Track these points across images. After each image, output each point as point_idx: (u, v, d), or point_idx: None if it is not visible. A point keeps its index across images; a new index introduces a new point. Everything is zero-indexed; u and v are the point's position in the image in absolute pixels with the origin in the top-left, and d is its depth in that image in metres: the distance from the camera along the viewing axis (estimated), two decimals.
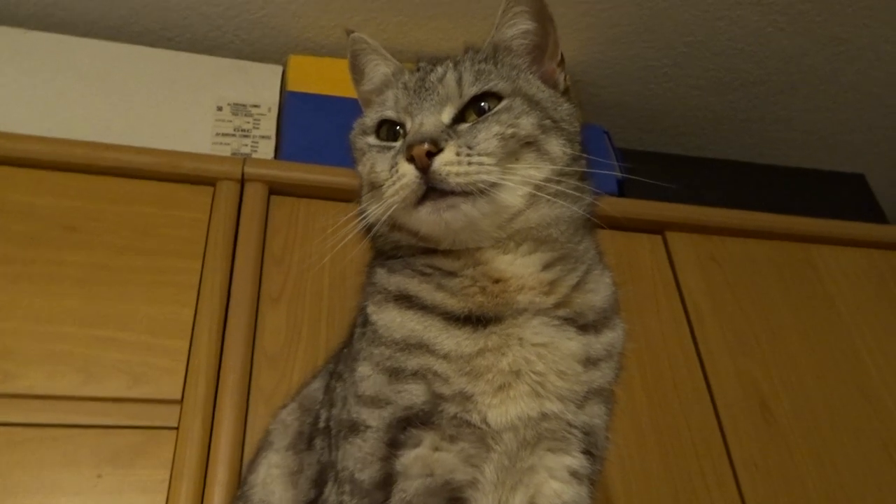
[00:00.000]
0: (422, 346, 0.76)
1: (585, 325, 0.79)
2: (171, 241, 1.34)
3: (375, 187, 0.79)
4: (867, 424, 1.45)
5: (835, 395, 1.49)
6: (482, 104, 0.78)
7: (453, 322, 0.76)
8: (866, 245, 1.74)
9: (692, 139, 2.05)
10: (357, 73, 0.92)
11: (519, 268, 0.78)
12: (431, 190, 0.73)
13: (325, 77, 1.67)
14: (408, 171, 0.73)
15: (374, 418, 0.75)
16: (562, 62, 0.86)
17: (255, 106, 1.59)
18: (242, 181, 1.42)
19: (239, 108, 1.58)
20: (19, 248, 1.28)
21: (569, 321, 0.78)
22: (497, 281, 0.77)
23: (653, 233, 1.63)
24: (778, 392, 1.46)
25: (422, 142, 0.72)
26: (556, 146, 0.78)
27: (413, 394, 0.75)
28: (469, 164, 0.72)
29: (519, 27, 0.84)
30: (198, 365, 1.20)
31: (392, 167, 0.76)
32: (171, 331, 1.24)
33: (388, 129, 0.82)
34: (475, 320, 0.76)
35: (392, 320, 0.78)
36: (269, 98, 1.62)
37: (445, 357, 0.75)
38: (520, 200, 0.76)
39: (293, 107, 1.60)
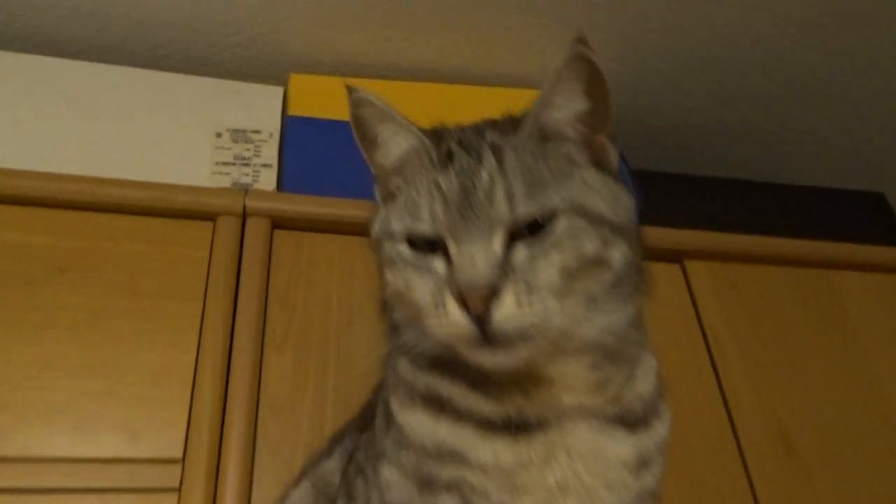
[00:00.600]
0: (455, 456, 0.69)
1: (635, 422, 0.73)
2: (169, 281, 1.27)
3: (412, 307, 0.71)
4: (892, 456, 1.40)
5: (857, 427, 1.44)
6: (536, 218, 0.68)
7: (490, 429, 0.70)
8: (888, 270, 1.68)
9: (706, 157, 1.99)
10: (366, 140, 0.78)
11: (566, 368, 0.70)
12: (486, 333, 0.64)
13: (328, 97, 1.60)
14: (458, 316, 0.64)
15: None
16: (612, 134, 0.76)
17: (256, 132, 1.52)
18: (244, 215, 1.35)
19: (239, 135, 1.51)
20: (7, 290, 1.20)
21: (618, 420, 0.72)
22: (540, 382, 0.70)
23: (670, 261, 1.57)
24: (800, 426, 1.40)
25: (477, 289, 0.63)
26: (618, 254, 0.69)
27: None
28: (531, 308, 0.64)
29: (574, 108, 0.72)
30: (200, 417, 1.14)
31: (436, 299, 0.66)
32: (170, 379, 1.17)
33: (425, 241, 0.70)
34: (515, 426, 0.69)
35: (421, 424, 0.72)
36: (271, 123, 1.55)
37: (483, 469, 0.68)
38: (577, 328, 0.68)
39: (295, 133, 1.52)
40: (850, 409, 1.46)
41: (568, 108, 0.72)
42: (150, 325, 1.22)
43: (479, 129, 0.74)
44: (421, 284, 0.68)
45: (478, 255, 0.64)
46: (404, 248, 0.70)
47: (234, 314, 1.24)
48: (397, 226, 0.71)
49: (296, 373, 1.24)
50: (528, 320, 0.63)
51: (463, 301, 0.63)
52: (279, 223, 1.37)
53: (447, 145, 0.72)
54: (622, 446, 0.70)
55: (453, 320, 0.64)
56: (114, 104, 1.49)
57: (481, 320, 0.63)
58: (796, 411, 1.41)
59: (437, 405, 0.72)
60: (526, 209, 0.66)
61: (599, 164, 0.73)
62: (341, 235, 1.39)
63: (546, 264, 0.65)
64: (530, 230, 0.66)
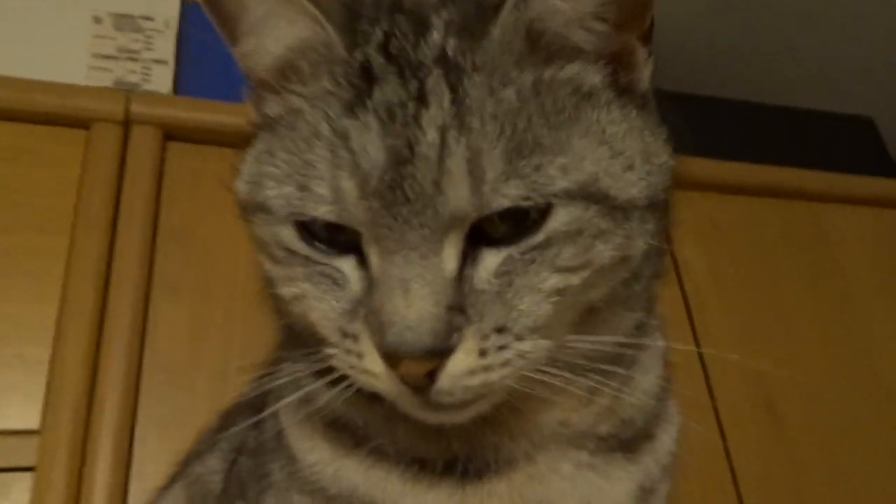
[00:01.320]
0: None
1: (636, 439, 0.52)
2: (27, 209, 0.99)
3: (307, 325, 0.46)
4: (884, 426, 1.26)
5: (847, 392, 1.29)
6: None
7: (425, 474, 0.48)
8: (879, 204, 1.52)
9: (678, 72, 1.76)
10: (222, 16, 0.46)
11: (542, 383, 0.46)
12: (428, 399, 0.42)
13: None
14: (385, 377, 0.41)
15: None
16: (649, 31, 0.47)
17: (148, 18, 1.21)
18: (127, 122, 1.07)
19: (125, 21, 1.20)
20: None
21: (612, 442, 0.51)
22: (503, 403, 0.46)
23: None
24: (786, 389, 1.25)
25: (413, 355, 0.40)
26: (641, 243, 0.44)
27: None
28: (502, 364, 0.40)
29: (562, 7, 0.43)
30: (61, 379, 0.90)
31: (344, 329, 0.42)
32: (26, 334, 0.92)
33: (324, 227, 0.44)
34: (463, 469, 0.48)
35: (323, 462, 0.50)
36: (167, 8, 1.24)
37: None
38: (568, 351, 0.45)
39: (198, 23, 1.23)
40: (841, 372, 1.30)
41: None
42: (2, 265, 0.95)
43: (420, 19, 0.44)
44: (318, 302, 0.44)
45: (416, 284, 0.40)
46: (290, 237, 0.45)
47: (110, 251, 0.98)
48: (277, 199, 0.44)
49: (193, 325, 1.00)
50: (493, 377, 0.41)
51: (390, 363, 0.41)
52: (173, 134, 1.09)
53: (364, 50, 0.43)
54: (619, 485, 0.50)
55: (374, 374, 0.42)
56: None
57: (419, 387, 0.41)
58: (780, 370, 1.25)
59: (348, 434, 0.50)
60: (501, 196, 0.40)
61: (624, 88, 0.46)
62: None
63: (532, 291, 0.42)
64: (507, 224, 0.42)
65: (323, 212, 0.42)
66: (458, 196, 0.40)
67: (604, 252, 0.43)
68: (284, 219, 0.44)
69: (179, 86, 1.20)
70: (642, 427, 0.53)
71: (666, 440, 0.54)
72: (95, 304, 0.94)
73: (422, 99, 0.40)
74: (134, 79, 1.17)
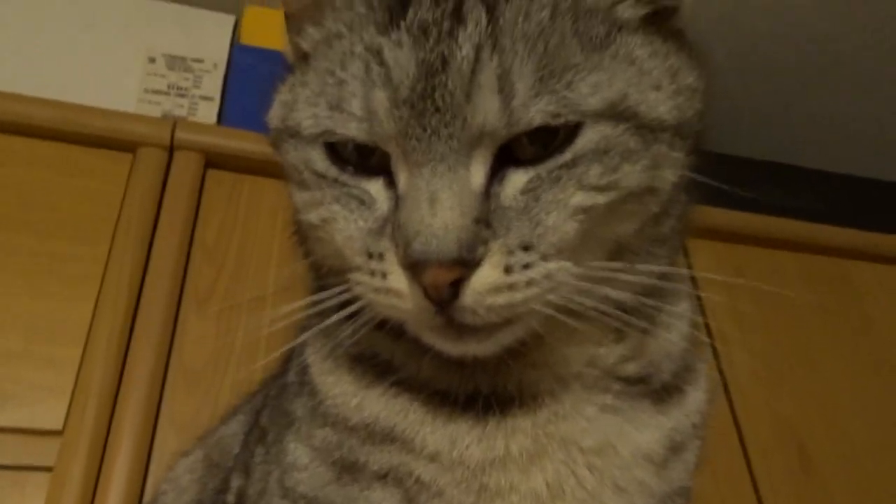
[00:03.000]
0: (393, 439, 0.48)
1: (664, 390, 0.51)
2: (72, 218, 1.04)
3: (333, 251, 0.47)
4: None
5: (881, 438, 1.24)
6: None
7: (446, 406, 0.48)
8: None
9: (711, 132, 1.81)
10: None
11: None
12: (451, 319, 0.43)
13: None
14: (408, 295, 0.41)
15: None
16: None
17: (198, 60, 1.30)
18: (171, 148, 1.12)
19: (176, 62, 1.28)
20: None
21: (639, 386, 0.50)
22: (528, 337, 0.46)
23: None
24: (817, 434, 1.21)
25: (438, 261, 0.40)
26: (670, 174, 0.45)
27: None
28: (528, 283, 0.40)
29: None
30: (88, 382, 0.91)
31: (371, 249, 0.43)
32: (59, 335, 0.95)
33: (355, 149, 0.45)
34: (485, 403, 0.47)
35: (346, 394, 0.50)
36: (216, 52, 1.33)
37: (433, 459, 0.47)
38: (596, 291, 0.45)
39: (244, 64, 1.31)
40: (873, 417, 1.26)
41: None
42: (42, 267, 0.99)
43: None
44: (346, 223, 0.45)
45: (444, 195, 0.40)
46: (320, 159, 0.45)
47: (146, 263, 1.02)
48: (307, 119, 0.45)
49: (219, 337, 1.02)
50: (518, 297, 0.41)
51: (414, 273, 0.41)
52: (214, 161, 1.15)
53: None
54: (647, 432, 0.49)
55: (397, 292, 0.42)
56: (34, 18, 1.26)
57: (443, 301, 0.41)
58: (813, 418, 1.21)
59: (372, 368, 0.50)
60: (532, 111, 0.40)
61: (658, 15, 0.46)
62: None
63: (558, 206, 0.41)
64: (535, 146, 0.42)
65: (353, 129, 0.43)
66: (488, 109, 0.40)
67: (631, 174, 0.43)
68: (314, 139, 0.45)
69: (223, 120, 1.27)
70: (671, 378, 0.52)
71: (696, 397, 0.53)
72: (128, 309, 0.97)
73: (458, 17, 0.42)
74: (181, 112, 1.24)
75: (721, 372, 1.24)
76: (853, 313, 1.40)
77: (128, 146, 1.10)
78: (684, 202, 0.50)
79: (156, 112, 1.23)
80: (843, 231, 1.49)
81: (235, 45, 1.34)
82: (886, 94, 1.78)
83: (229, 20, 1.40)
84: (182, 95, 1.25)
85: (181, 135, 1.13)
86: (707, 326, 1.30)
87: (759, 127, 1.78)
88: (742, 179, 1.73)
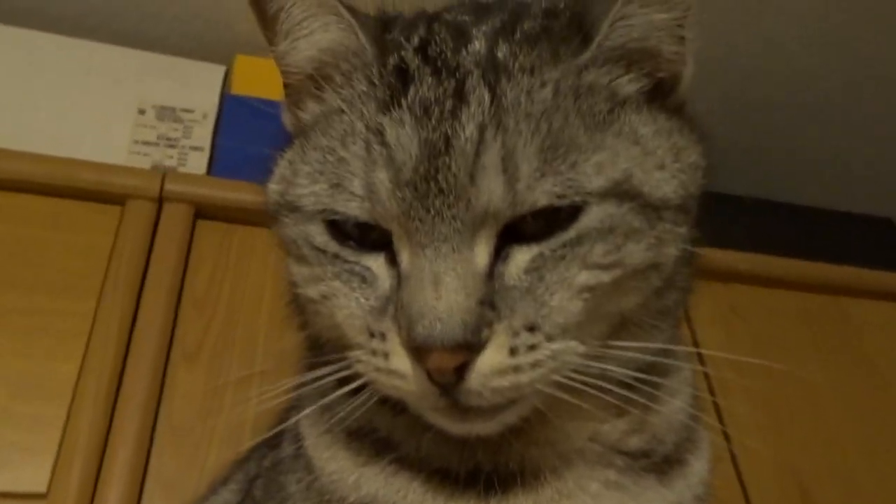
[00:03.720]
0: None
1: (667, 462, 0.50)
2: (59, 274, 1.03)
3: (332, 326, 0.46)
4: None
5: (883, 478, 1.22)
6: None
7: (448, 485, 0.47)
8: None
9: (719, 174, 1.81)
10: (265, 16, 0.49)
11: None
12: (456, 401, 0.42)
13: (277, 81, 1.39)
14: (412, 377, 0.41)
15: None
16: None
17: (188, 111, 1.30)
18: (161, 200, 1.12)
19: (166, 113, 1.29)
20: None
21: (642, 461, 0.49)
22: (531, 413, 0.46)
23: None
24: (821, 477, 1.18)
25: (444, 346, 0.39)
26: (674, 249, 0.45)
27: None
28: (533, 365, 0.40)
29: (639, 26, 0.45)
30: (74, 442, 0.89)
31: (372, 327, 0.42)
32: (45, 393, 0.93)
33: (356, 227, 0.45)
34: (487, 481, 0.46)
35: (343, 471, 0.49)
36: (207, 103, 1.33)
37: None
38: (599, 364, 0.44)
39: (234, 114, 1.31)
40: (877, 458, 1.24)
41: (635, 27, 0.44)
42: (28, 324, 0.97)
43: (459, 28, 0.46)
44: (346, 300, 0.44)
45: (448, 277, 0.40)
46: (319, 234, 0.45)
47: (134, 317, 1.01)
48: (307, 197, 0.45)
49: (208, 391, 1.00)
50: (523, 379, 0.40)
51: (418, 356, 0.40)
52: (204, 212, 1.14)
53: (400, 53, 0.45)
54: None
55: (402, 374, 0.41)
56: (22, 70, 1.27)
57: (448, 384, 0.40)
58: (816, 461, 1.19)
59: (370, 444, 0.49)
60: (537, 193, 0.40)
61: (660, 90, 0.47)
62: None
63: (562, 286, 0.41)
64: (539, 223, 0.42)
65: (354, 208, 0.43)
66: (493, 190, 0.40)
67: (635, 252, 0.42)
68: (314, 216, 0.45)
69: (213, 170, 1.27)
70: (673, 450, 0.51)
71: (699, 468, 0.52)
72: (115, 365, 0.95)
73: (460, 96, 0.41)
74: (171, 163, 1.24)
75: (723, 425, 1.22)
76: (852, 352, 1.38)
77: (117, 199, 1.10)
78: (686, 274, 0.49)
79: (145, 164, 1.22)
80: (840, 268, 1.49)
81: (226, 95, 1.35)
82: (876, 131, 1.79)
83: (219, 70, 1.41)
84: (172, 146, 1.25)
85: (171, 186, 1.12)
86: (707, 376, 1.30)
87: (752, 165, 1.79)
88: (736, 218, 1.73)
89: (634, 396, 0.46)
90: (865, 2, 1.54)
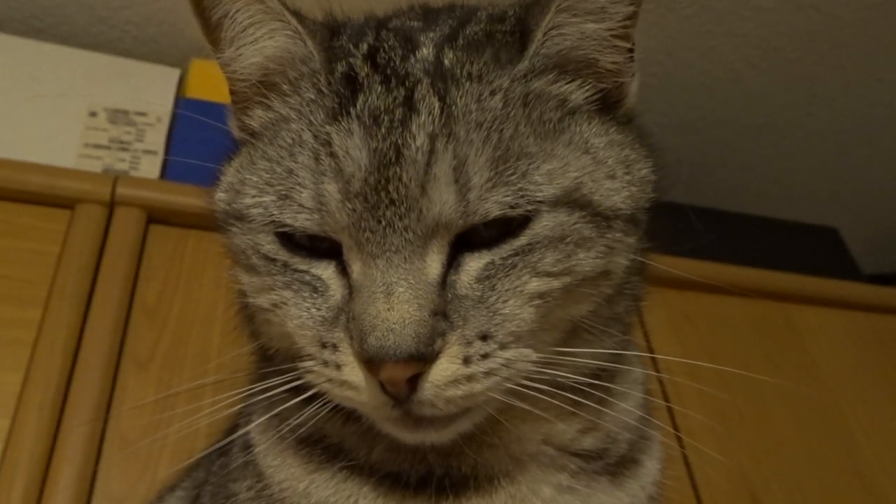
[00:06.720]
0: None
1: (621, 462, 0.51)
2: (4, 281, 0.99)
3: (283, 335, 0.46)
4: None
5: (830, 486, 1.25)
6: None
7: (398, 490, 0.46)
8: (848, 307, 1.54)
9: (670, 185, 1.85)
10: (208, 23, 0.48)
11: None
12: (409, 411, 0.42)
13: None
14: (364, 388, 0.40)
15: None
16: (631, 48, 0.48)
17: (141, 114, 1.27)
18: (112, 204, 1.09)
19: (119, 116, 1.26)
20: None
21: (596, 463, 0.50)
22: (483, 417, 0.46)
23: None
24: (768, 481, 1.21)
25: (397, 358, 0.39)
26: (623, 259, 0.45)
27: None
28: (486, 373, 0.40)
29: (622, 10, 0.45)
30: (17, 456, 0.86)
31: (323, 338, 0.41)
32: None
33: (305, 236, 0.44)
34: (437, 486, 0.46)
35: (293, 479, 0.48)
36: (160, 106, 1.30)
37: None
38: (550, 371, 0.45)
39: (188, 116, 1.29)
40: (822, 461, 1.27)
41: (616, 12, 0.44)
42: None
43: (407, 36, 0.45)
44: (297, 310, 0.43)
45: (400, 287, 0.40)
46: (268, 244, 0.44)
47: (82, 325, 0.98)
48: (256, 208, 0.44)
49: (159, 401, 0.98)
50: (477, 388, 0.40)
51: (371, 368, 0.40)
52: (157, 217, 1.12)
53: (348, 61, 0.45)
54: None
55: (353, 386, 0.41)
56: None
57: (401, 396, 0.40)
58: (763, 465, 1.22)
59: (320, 451, 0.49)
60: (489, 203, 0.40)
61: (607, 101, 0.47)
62: None
63: (514, 294, 0.41)
64: (490, 231, 0.42)
65: (303, 220, 0.42)
66: (444, 201, 0.40)
67: (585, 260, 0.43)
68: (263, 227, 0.44)
69: (167, 174, 1.24)
70: (627, 450, 0.52)
71: (651, 467, 0.53)
72: (61, 377, 0.92)
73: (410, 105, 0.41)
74: (123, 167, 1.21)
75: (676, 429, 1.24)
76: (798, 358, 1.42)
77: (66, 203, 1.07)
78: (636, 282, 0.50)
79: (96, 167, 1.19)
80: (788, 276, 1.53)
81: (180, 99, 1.32)
82: (821, 146, 1.85)
83: (174, 73, 1.38)
84: (124, 150, 1.22)
85: (122, 190, 1.10)
86: (661, 381, 1.32)
87: (705, 177, 1.84)
88: (688, 227, 1.77)
89: (585, 401, 0.47)
90: (804, 24, 1.60)
